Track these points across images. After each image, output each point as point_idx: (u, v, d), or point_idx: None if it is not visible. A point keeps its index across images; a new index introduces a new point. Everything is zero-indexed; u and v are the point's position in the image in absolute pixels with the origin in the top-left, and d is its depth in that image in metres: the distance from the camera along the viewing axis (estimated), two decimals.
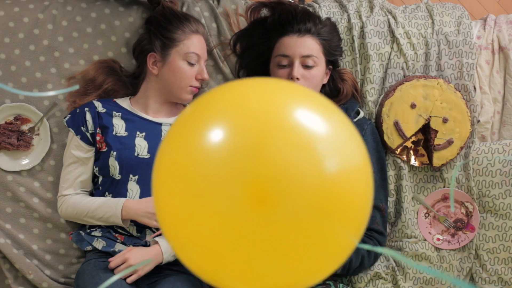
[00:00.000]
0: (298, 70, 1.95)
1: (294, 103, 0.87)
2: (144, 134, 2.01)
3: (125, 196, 1.96)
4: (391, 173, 2.16)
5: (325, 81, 2.06)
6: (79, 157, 2.01)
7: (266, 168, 0.81)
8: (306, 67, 1.96)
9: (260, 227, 0.81)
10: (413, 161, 2.18)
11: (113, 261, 1.89)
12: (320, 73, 2.00)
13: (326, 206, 0.83)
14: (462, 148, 2.15)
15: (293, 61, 1.97)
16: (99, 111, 2.02)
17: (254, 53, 2.09)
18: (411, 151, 2.18)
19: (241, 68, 2.15)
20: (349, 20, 2.22)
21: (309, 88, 1.93)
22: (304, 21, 1.98)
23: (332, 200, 0.83)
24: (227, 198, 0.81)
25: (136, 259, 1.87)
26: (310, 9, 2.25)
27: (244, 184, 0.80)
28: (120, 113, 2.04)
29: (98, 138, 2.00)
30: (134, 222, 1.96)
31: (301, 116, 0.86)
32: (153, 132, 2.03)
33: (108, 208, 1.93)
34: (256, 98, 0.87)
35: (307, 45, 1.97)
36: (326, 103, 0.91)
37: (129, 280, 1.87)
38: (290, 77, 1.96)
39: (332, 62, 2.08)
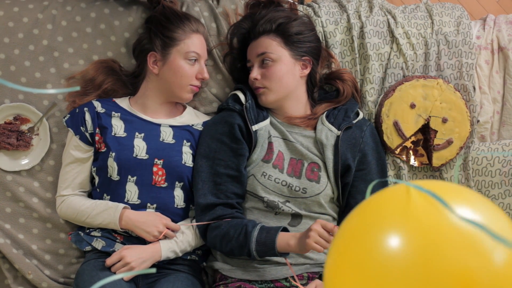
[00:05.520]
0: (254, 71, 2.01)
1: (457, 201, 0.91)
2: (143, 135, 2.01)
3: (123, 197, 1.97)
4: (390, 173, 2.16)
5: (305, 72, 2.04)
6: (77, 157, 2.01)
7: (440, 271, 0.85)
8: (264, 65, 2.00)
9: None
10: (413, 161, 2.18)
11: (110, 259, 1.89)
12: (282, 67, 1.99)
13: None
14: (461, 148, 2.15)
15: (253, 64, 2.02)
16: (98, 111, 2.02)
17: (234, 60, 2.16)
18: (411, 151, 2.18)
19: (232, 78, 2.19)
20: (348, 20, 2.22)
21: (274, 84, 1.97)
22: (256, 25, 2.02)
23: None
24: None
25: (132, 257, 1.87)
26: (310, 9, 2.25)
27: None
28: (119, 114, 2.04)
29: (97, 138, 2.00)
30: None
31: (465, 213, 0.89)
32: (152, 133, 2.02)
33: (107, 215, 1.93)
34: (420, 204, 0.91)
35: (259, 44, 2.01)
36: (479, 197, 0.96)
37: (126, 277, 1.88)
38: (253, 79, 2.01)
39: (310, 53, 2.05)
